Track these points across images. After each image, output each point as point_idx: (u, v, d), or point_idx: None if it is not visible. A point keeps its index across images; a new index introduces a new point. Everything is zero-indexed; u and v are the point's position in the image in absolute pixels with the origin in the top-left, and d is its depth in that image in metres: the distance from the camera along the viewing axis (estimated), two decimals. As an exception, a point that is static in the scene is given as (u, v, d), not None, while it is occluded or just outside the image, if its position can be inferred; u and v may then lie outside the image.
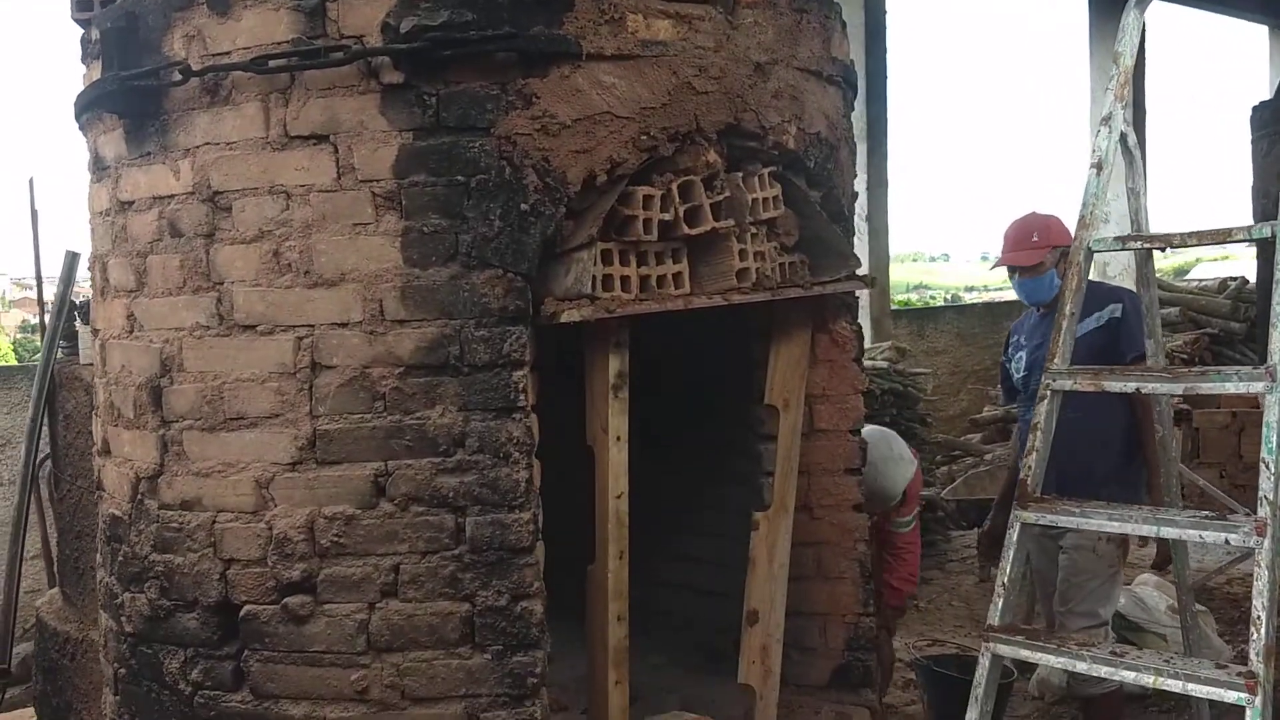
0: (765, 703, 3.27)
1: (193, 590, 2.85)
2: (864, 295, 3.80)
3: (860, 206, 7.96)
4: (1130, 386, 2.81)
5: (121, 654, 3.07)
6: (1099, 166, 3.05)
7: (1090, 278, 3.10)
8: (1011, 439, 4.02)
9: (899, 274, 25.14)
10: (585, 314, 2.67)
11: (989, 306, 13.17)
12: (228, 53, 2.75)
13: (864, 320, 7.42)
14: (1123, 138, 3.12)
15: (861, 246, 7.98)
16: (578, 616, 3.02)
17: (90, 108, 3.09)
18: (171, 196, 2.87)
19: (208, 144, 2.80)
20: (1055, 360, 2.98)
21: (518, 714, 2.69)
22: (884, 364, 8.82)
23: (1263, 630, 2.26)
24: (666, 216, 2.86)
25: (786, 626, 3.45)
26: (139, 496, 2.98)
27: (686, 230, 2.89)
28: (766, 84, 3.03)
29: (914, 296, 25.84)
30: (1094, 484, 3.47)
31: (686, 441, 4.17)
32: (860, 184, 4.13)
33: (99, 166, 3.18)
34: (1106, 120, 3.06)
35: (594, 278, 2.72)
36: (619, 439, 2.92)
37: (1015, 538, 2.88)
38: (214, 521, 2.82)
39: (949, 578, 6.94)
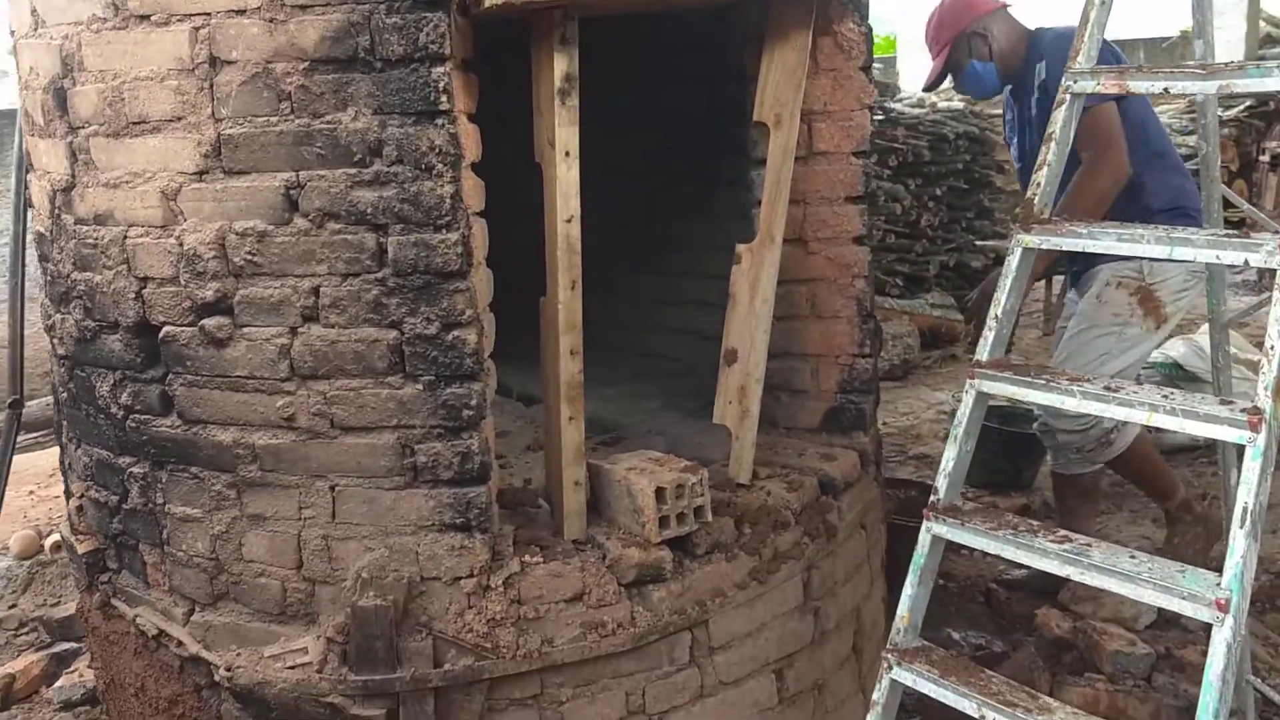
0: (741, 444, 3.07)
1: (113, 310, 2.67)
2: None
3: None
4: (1158, 86, 2.36)
5: (61, 377, 2.95)
6: None
7: None
8: None
9: None
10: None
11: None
12: None
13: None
14: None
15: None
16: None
17: None
18: None
19: None
20: (1080, 58, 2.53)
21: (454, 446, 2.50)
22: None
23: (1274, 362, 1.93)
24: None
25: (776, 368, 3.21)
26: (56, 211, 2.77)
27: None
28: None
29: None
30: None
31: (695, 173, 3.84)
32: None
33: None
34: None
35: (523, -46, 2.32)
36: (568, 154, 2.58)
37: (1015, 263, 2.52)
38: (125, 236, 2.60)
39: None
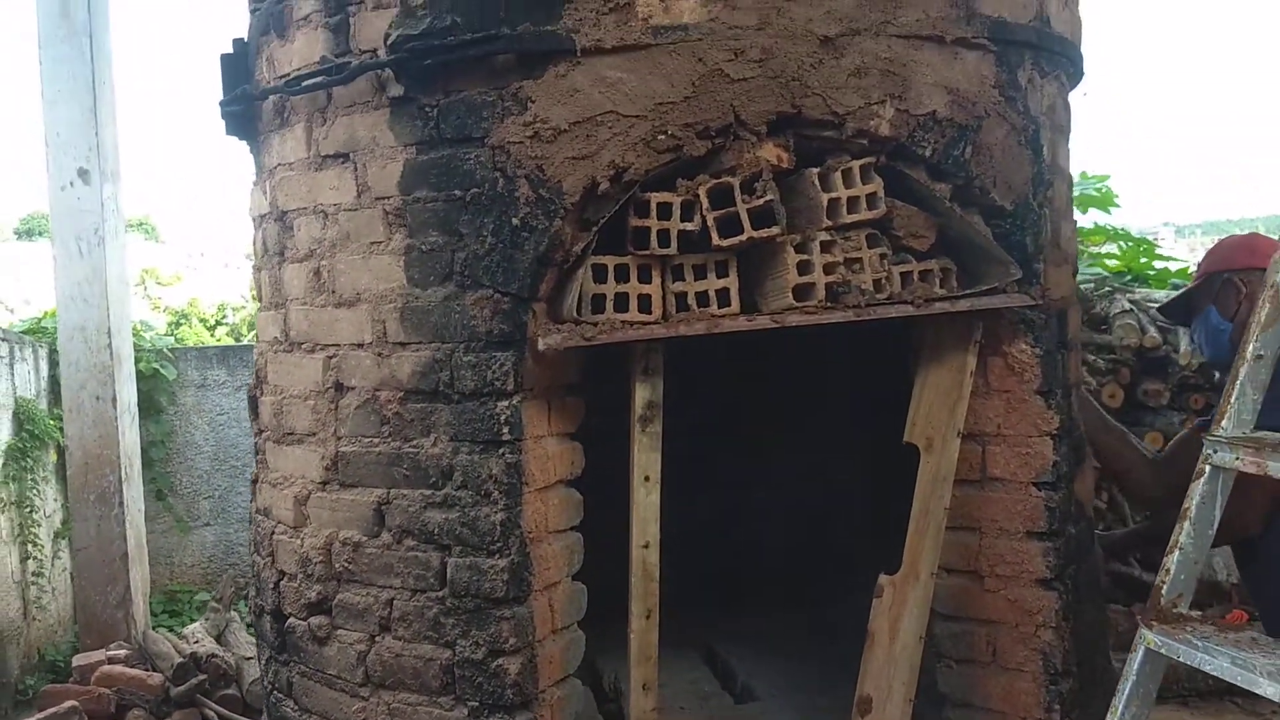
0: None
1: (264, 594, 2.98)
2: None
3: None
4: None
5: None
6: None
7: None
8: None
9: None
10: (553, 341, 2.36)
11: None
12: (287, 74, 2.81)
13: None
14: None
15: None
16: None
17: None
18: (263, 216, 3.01)
19: (280, 165, 2.89)
20: (1224, 421, 2.08)
21: (499, 779, 2.46)
22: None
23: None
24: (689, 227, 2.43)
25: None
26: (252, 495, 3.18)
27: (718, 241, 2.44)
28: (840, 60, 2.45)
29: None
30: None
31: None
32: None
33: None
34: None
35: (579, 298, 2.40)
36: (648, 479, 2.55)
37: (1136, 667, 2.06)
38: (273, 532, 2.92)
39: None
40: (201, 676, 4.41)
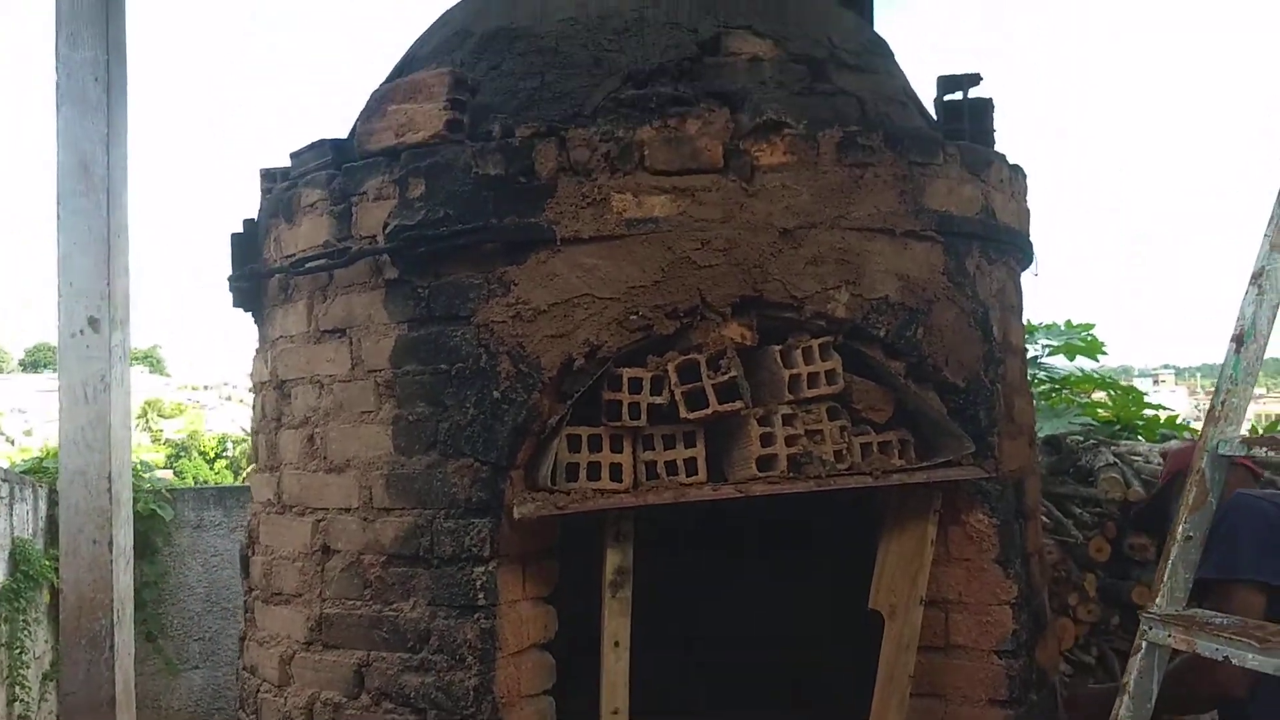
0: None
1: (248, 751, 3.04)
2: None
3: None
4: (1220, 654, 1.98)
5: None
6: (1240, 340, 2.24)
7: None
8: None
9: None
10: (527, 510, 2.50)
11: None
12: (293, 255, 3.02)
13: None
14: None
15: None
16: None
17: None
18: (264, 383, 3.19)
19: (281, 337, 3.08)
20: (1159, 599, 2.20)
21: None
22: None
23: None
24: (659, 400, 2.60)
25: None
26: (240, 651, 3.26)
27: (685, 414, 2.61)
28: (799, 250, 2.66)
29: None
30: None
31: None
32: None
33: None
34: (1257, 279, 2.25)
35: (554, 467, 2.55)
36: (617, 644, 2.65)
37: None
38: (259, 689, 3.00)
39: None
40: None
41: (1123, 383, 6.84)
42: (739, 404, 2.61)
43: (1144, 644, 2.19)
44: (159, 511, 6.41)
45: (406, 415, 2.70)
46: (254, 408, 3.28)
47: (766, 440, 2.64)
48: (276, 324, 3.11)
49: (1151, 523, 3.53)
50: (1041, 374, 6.22)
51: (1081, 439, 5.47)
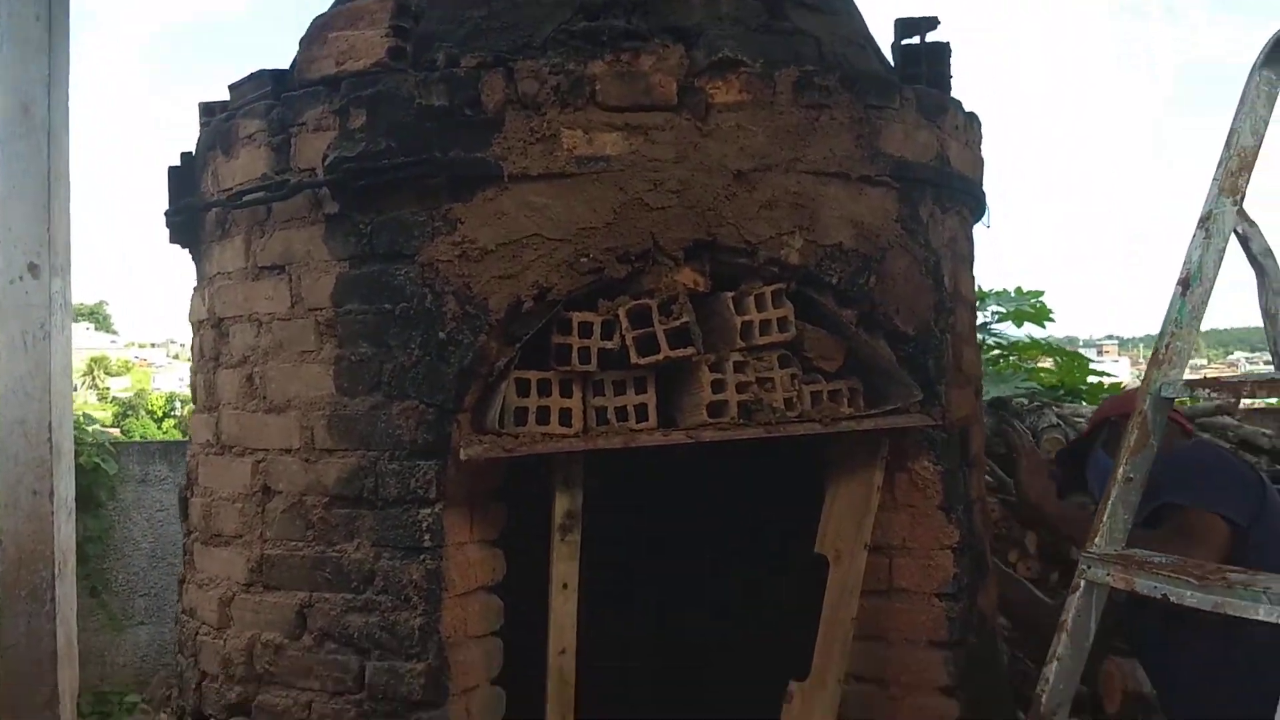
0: None
1: (186, 695, 2.99)
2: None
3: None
4: (1158, 591, 2.00)
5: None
6: (1186, 283, 2.25)
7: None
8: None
9: None
10: (474, 452, 2.46)
11: None
12: (229, 188, 2.93)
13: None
14: (1244, 242, 2.29)
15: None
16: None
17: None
18: (202, 322, 3.10)
19: (218, 274, 3.00)
20: (1098, 539, 2.22)
21: None
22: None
23: None
24: (609, 345, 2.57)
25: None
26: (179, 595, 3.20)
27: (636, 359, 2.57)
28: (753, 194, 2.63)
29: None
30: None
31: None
32: None
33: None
34: (1205, 222, 2.26)
35: (501, 410, 2.51)
36: (565, 586, 2.63)
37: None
38: (197, 632, 2.95)
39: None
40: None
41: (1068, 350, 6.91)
42: (690, 350, 2.58)
43: (1082, 582, 2.21)
44: (103, 465, 6.27)
45: (349, 355, 2.64)
46: (192, 348, 3.20)
47: (717, 387, 2.62)
48: (214, 260, 3.03)
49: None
50: (990, 339, 6.27)
51: (1026, 401, 5.53)
